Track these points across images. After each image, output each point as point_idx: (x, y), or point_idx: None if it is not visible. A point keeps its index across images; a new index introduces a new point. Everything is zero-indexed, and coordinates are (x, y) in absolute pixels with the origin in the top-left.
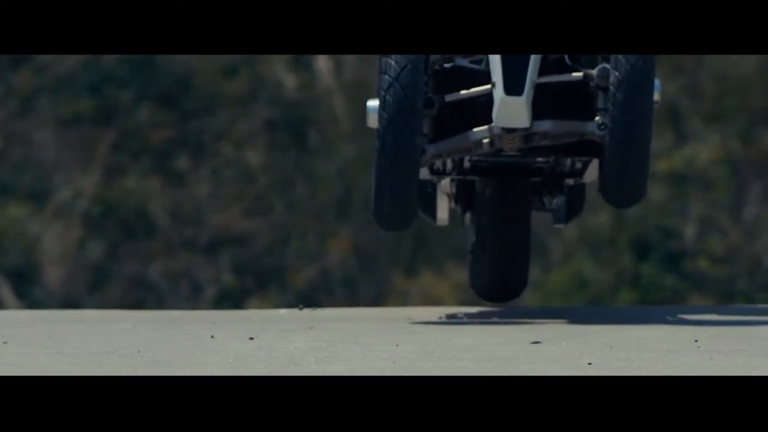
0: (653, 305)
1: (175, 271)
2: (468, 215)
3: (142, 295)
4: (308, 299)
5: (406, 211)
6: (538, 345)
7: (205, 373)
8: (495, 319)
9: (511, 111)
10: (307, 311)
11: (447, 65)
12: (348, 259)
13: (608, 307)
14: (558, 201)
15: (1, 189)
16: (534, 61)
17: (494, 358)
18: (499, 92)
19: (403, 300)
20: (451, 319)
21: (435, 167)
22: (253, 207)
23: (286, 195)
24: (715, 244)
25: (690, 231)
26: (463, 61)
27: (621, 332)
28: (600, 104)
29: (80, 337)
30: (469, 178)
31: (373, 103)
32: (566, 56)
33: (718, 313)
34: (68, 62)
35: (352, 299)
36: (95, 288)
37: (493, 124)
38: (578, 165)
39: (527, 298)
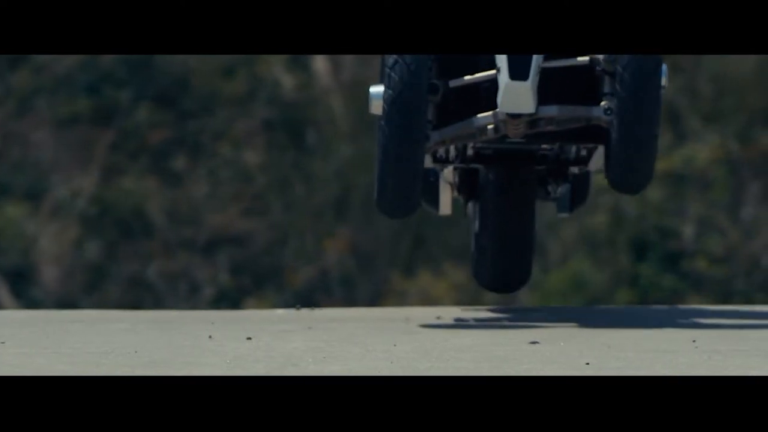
0: (651, 305)
1: (172, 271)
2: (470, 205)
3: (139, 295)
4: (306, 299)
5: (410, 195)
6: (536, 345)
7: (202, 374)
8: (493, 319)
9: (517, 96)
10: (305, 311)
11: None
12: (346, 259)
13: (606, 307)
14: (562, 190)
15: None
16: None
17: (492, 358)
18: (504, 77)
19: (401, 300)
20: (449, 320)
21: (438, 155)
22: (251, 207)
23: (284, 195)
24: (714, 244)
25: (688, 231)
26: None
27: (619, 332)
28: (606, 89)
29: (78, 337)
30: (473, 166)
31: (376, 89)
32: None
33: (717, 313)
34: (66, 62)
35: (350, 299)
36: (93, 288)
37: (498, 109)
38: (583, 152)
39: (525, 298)
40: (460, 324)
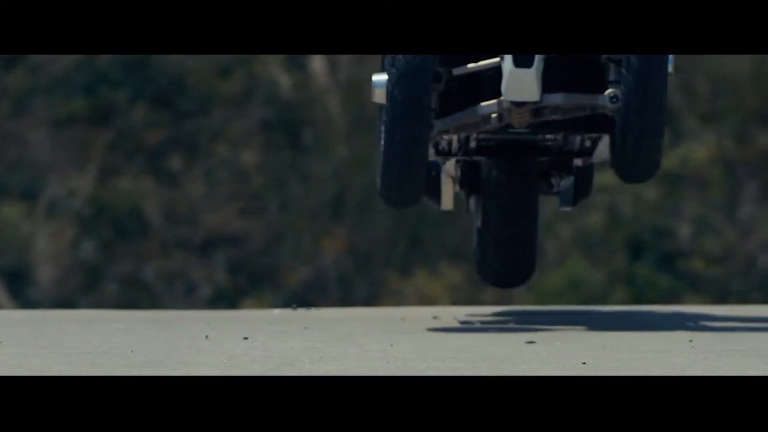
0: (648, 305)
1: (169, 271)
2: (473, 199)
3: (136, 295)
4: (302, 299)
5: (415, 182)
6: (533, 345)
7: (199, 373)
8: (490, 319)
9: (521, 84)
10: (301, 311)
11: None
12: (342, 259)
13: (602, 307)
14: (565, 183)
15: None
16: None
17: (489, 358)
18: (508, 65)
19: (398, 300)
20: (446, 320)
21: (441, 147)
22: (247, 207)
23: (281, 195)
24: (710, 244)
25: (684, 231)
26: None
27: (615, 332)
28: (612, 77)
29: (74, 337)
30: (476, 158)
31: (379, 77)
32: None
33: (713, 313)
34: (62, 62)
35: (347, 299)
36: (89, 288)
37: (502, 97)
38: (587, 143)
39: (521, 298)
40: (457, 324)
